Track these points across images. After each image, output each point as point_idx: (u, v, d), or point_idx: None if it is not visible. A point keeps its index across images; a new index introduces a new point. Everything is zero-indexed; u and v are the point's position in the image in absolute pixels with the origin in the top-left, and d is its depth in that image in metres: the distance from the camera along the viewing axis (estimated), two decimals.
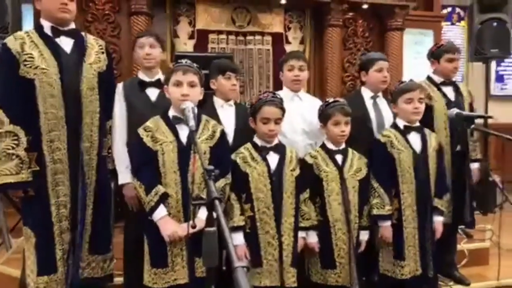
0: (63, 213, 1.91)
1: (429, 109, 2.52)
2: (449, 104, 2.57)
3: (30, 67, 1.84)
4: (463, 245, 2.93)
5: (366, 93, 2.52)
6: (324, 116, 2.16)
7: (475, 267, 2.88)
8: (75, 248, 1.91)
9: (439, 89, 2.62)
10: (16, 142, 1.82)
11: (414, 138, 2.24)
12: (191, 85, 1.85)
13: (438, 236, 2.24)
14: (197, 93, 1.89)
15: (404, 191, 2.17)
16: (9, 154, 1.81)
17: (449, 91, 2.63)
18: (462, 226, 2.88)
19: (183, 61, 1.91)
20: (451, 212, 2.55)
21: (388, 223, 2.16)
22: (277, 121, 2.00)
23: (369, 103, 2.48)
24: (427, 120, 2.49)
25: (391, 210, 2.16)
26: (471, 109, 2.72)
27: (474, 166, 2.66)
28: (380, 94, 2.54)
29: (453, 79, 2.70)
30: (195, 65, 1.91)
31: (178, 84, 1.84)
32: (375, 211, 2.15)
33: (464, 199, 2.54)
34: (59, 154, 1.89)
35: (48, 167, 1.88)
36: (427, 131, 2.29)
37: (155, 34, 2.34)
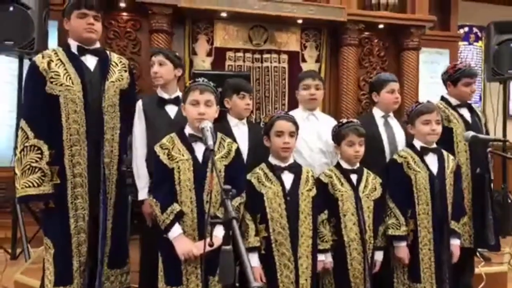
0: (81, 226, 1.96)
1: (448, 132, 2.51)
2: (468, 126, 2.54)
3: (56, 84, 1.94)
4: (481, 269, 2.88)
5: (378, 113, 2.53)
6: (338, 136, 2.17)
7: None
8: (98, 262, 1.96)
9: (457, 111, 2.60)
10: (39, 155, 1.90)
11: (431, 159, 2.23)
12: (208, 104, 1.86)
13: (455, 260, 2.20)
14: (213, 112, 1.90)
15: (420, 212, 2.16)
16: (33, 167, 1.88)
17: (465, 112, 2.62)
18: (482, 249, 2.82)
19: (200, 79, 1.93)
20: (473, 235, 2.51)
21: (403, 244, 2.15)
22: (291, 134, 2.01)
23: (380, 123, 2.49)
24: (448, 143, 2.48)
25: (407, 231, 2.15)
26: (486, 130, 2.70)
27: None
28: (391, 114, 2.55)
29: (468, 101, 2.69)
30: (211, 84, 1.95)
31: (195, 103, 1.86)
32: (390, 232, 2.14)
33: (485, 222, 2.50)
34: (79, 168, 1.96)
35: (68, 181, 1.95)
36: (444, 152, 2.27)
37: (165, 52, 2.35)
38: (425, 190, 2.16)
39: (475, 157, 2.51)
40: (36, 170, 1.88)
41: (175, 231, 1.79)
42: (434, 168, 2.20)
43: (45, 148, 1.91)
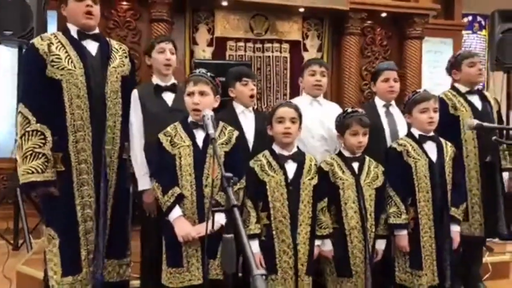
0: (88, 214, 1.92)
1: (455, 120, 2.48)
2: (476, 113, 2.50)
3: (57, 68, 1.87)
4: (486, 258, 2.87)
5: (379, 103, 2.51)
6: (342, 126, 2.15)
7: (498, 280, 2.83)
8: (96, 250, 1.93)
9: (465, 99, 2.57)
10: (43, 141, 1.83)
11: (430, 147, 2.21)
12: (202, 94, 1.90)
13: (455, 246, 2.19)
14: (209, 102, 1.91)
15: (420, 199, 2.14)
16: (36, 152, 1.81)
17: (475, 100, 2.57)
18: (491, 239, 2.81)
19: (197, 71, 1.97)
20: (483, 225, 2.49)
21: (404, 232, 2.13)
22: (293, 119, 2.00)
23: (382, 112, 2.47)
24: (454, 131, 2.45)
25: (407, 219, 2.14)
26: (499, 117, 2.65)
27: (505, 176, 2.59)
28: (393, 103, 2.52)
29: (479, 87, 2.64)
30: (208, 74, 1.96)
31: (190, 94, 1.91)
32: (391, 220, 2.13)
33: (496, 211, 2.48)
34: (84, 155, 1.91)
35: (74, 168, 1.89)
36: (442, 140, 2.26)
37: (173, 41, 2.36)
38: (425, 178, 2.15)
39: (484, 145, 2.48)
40: (40, 155, 1.81)
41: (175, 213, 1.83)
42: (433, 156, 2.19)
43: (48, 133, 1.84)
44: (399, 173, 2.17)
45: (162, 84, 2.24)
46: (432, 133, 2.24)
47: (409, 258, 2.14)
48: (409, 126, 2.33)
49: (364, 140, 2.11)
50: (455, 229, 2.19)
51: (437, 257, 2.12)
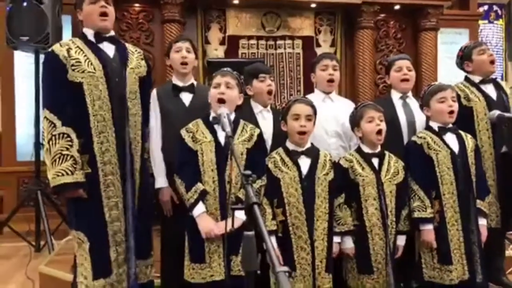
0: (115, 214, 1.92)
1: (468, 111, 2.44)
2: (491, 103, 2.45)
3: (78, 71, 1.89)
4: (510, 251, 2.81)
5: (395, 95, 2.48)
6: (356, 118, 2.13)
7: None
8: (129, 251, 1.92)
9: (479, 89, 2.51)
10: (70, 143, 1.85)
11: (451, 139, 2.17)
12: (228, 86, 1.95)
13: (483, 239, 2.14)
14: (234, 95, 1.97)
15: (445, 192, 2.09)
16: (64, 155, 1.83)
17: (490, 89, 2.51)
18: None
19: (224, 69, 2.04)
20: (500, 216, 2.44)
21: (430, 227, 2.08)
22: (308, 117, 1.99)
23: (398, 105, 2.43)
24: (468, 122, 2.40)
25: (433, 213, 2.10)
26: None
27: None
28: (409, 94, 2.48)
29: (493, 76, 2.58)
30: (235, 72, 2.03)
31: (216, 86, 1.96)
32: (416, 214, 2.08)
33: None
34: (109, 155, 1.91)
35: (99, 169, 1.90)
36: (462, 132, 2.22)
37: (191, 40, 2.37)
38: (448, 170, 2.10)
39: (500, 136, 2.43)
40: (68, 157, 1.82)
41: (199, 209, 1.86)
42: (455, 147, 2.15)
43: (74, 135, 1.85)
44: (420, 166, 2.12)
45: (180, 84, 2.26)
46: (451, 125, 2.20)
47: (437, 253, 2.08)
48: (428, 119, 2.29)
49: (382, 125, 2.07)
50: (482, 222, 2.14)
51: (465, 251, 2.07)
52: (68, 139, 1.85)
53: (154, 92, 2.22)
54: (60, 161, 1.83)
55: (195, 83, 2.32)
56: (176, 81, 2.28)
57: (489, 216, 2.38)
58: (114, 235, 1.91)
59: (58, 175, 1.82)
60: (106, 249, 1.89)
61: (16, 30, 3.21)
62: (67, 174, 1.82)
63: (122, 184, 1.93)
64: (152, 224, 2.11)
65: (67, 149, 1.84)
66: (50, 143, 1.85)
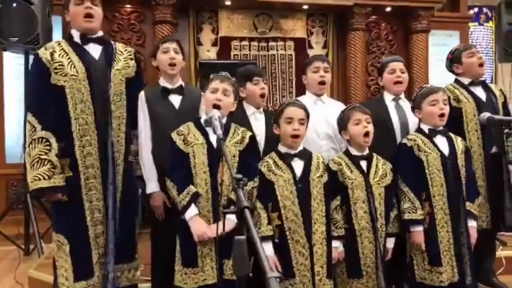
0: (98, 218, 1.93)
1: (458, 112, 2.45)
2: (480, 105, 2.46)
3: (61, 74, 1.90)
4: (500, 252, 2.83)
5: (388, 97, 2.48)
6: (343, 121, 2.12)
7: None
8: (107, 253, 1.92)
9: (468, 91, 2.54)
10: (48, 147, 1.86)
11: (441, 141, 2.18)
12: (225, 93, 1.95)
13: (473, 241, 2.15)
14: (230, 102, 1.97)
15: (435, 194, 2.09)
16: (42, 159, 1.84)
17: (479, 91, 2.53)
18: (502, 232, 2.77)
19: (223, 73, 2.03)
20: (489, 217, 2.46)
21: (420, 228, 2.07)
22: (301, 121, 1.99)
23: (391, 106, 2.44)
24: (457, 124, 2.42)
25: (423, 214, 2.10)
26: (505, 109, 2.61)
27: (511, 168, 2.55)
28: (402, 96, 2.49)
29: (482, 79, 2.60)
30: (233, 78, 2.03)
31: (214, 91, 1.94)
32: (406, 216, 2.08)
33: (503, 203, 2.44)
34: (91, 159, 1.92)
35: (81, 173, 1.91)
36: (452, 134, 2.23)
37: (178, 41, 2.33)
38: (438, 172, 2.11)
39: (490, 137, 2.45)
40: (46, 162, 1.84)
41: (191, 212, 1.84)
42: (445, 150, 2.16)
43: (53, 139, 1.87)
44: (411, 168, 2.13)
45: (169, 86, 2.22)
46: (441, 128, 2.21)
47: (427, 255, 2.09)
48: (419, 122, 2.30)
49: (370, 127, 2.07)
50: (472, 224, 2.15)
51: (455, 253, 2.08)
52: (47, 143, 1.86)
53: (142, 94, 2.17)
54: (38, 165, 1.85)
55: (183, 84, 2.28)
56: (165, 83, 2.23)
57: (480, 217, 2.39)
58: (96, 238, 1.92)
59: (35, 179, 1.84)
60: (87, 252, 1.90)
61: (6, 31, 3.17)
62: (44, 178, 1.84)
63: (104, 187, 1.93)
64: (136, 227, 2.10)
65: (45, 153, 1.85)
66: (30, 146, 1.87)
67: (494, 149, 2.44)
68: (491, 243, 2.63)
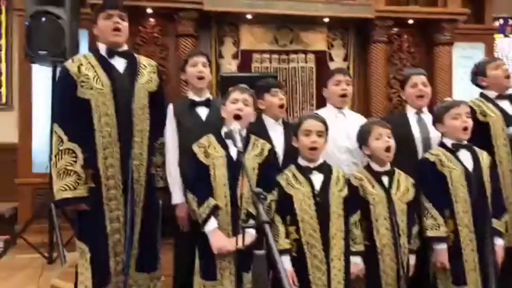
0: (116, 227, 1.98)
1: (485, 127, 2.40)
2: (508, 118, 2.41)
3: (87, 87, 1.96)
4: None
5: (410, 111, 2.45)
6: (363, 135, 2.10)
7: None
8: (124, 264, 1.97)
9: (495, 105, 2.48)
10: (74, 159, 1.93)
11: (465, 156, 2.13)
12: (246, 103, 1.98)
13: (499, 260, 2.08)
14: (250, 112, 2.00)
15: (459, 210, 2.04)
16: (68, 170, 1.91)
17: (506, 105, 2.48)
18: None
19: (241, 85, 2.08)
20: None
21: (444, 246, 2.03)
22: (319, 133, 1.98)
23: (413, 120, 2.41)
24: (485, 138, 2.37)
25: (447, 232, 2.04)
26: None
27: None
28: (424, 109, 2.45)
29: (509, 92, 2.54)
30: (251, 90, 2.07)
31: (235, 101, 1.98)
32: (429, 233, 2.03)
33: None
34: (112, 170, 1.97)
35: (103, 183, 1.97)
36: (476, 148, 2.17)
37: (206, 54, 2.41)
38: (462, 188, 2.06)
39: None
40: (72, 173, 1.91)
41: (211, 225, 1.85)
42: (469, 165, 2.11)
43: (79, 151, 1.94)
44: (434, 184, 2.09)
45: (197, 99, 2.28)
46: (465, 142, 2.16)
47: (452, 274, 2.03)
48: (442, 136, 2.25)
49: (391, 142, 2.04)
50: (498, 242, 2.08)
51: (481, 272, 2.01)
52: (73, 154, 1.92)
53: (170, 107, 2.25)
54: (65, 176, 1.91)
55: (211, 97, 2.33)
56: (192, 96, 2.30)
57: (511, 235, 2.32)
58: (114, 246, 1.97)
59: (61, 190, 1.90)
60: (106, 260, 1.95)
61: (35, 45, 3.28)
62: (70, 189, 1.90)
63: (124, 198, 1.97)
64: (159, 238, 2.12)
65: (72, 164, 1.91)
66: (57, 157, 1.94)
67: None
68: None
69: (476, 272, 2.02)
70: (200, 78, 2.26)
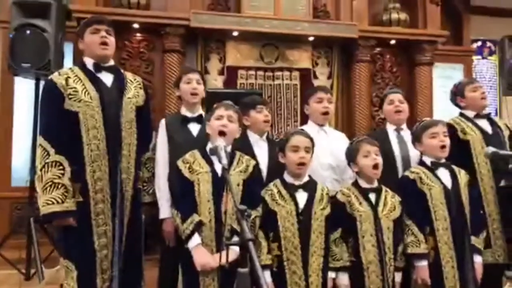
0: (104, 242, 1.93)
1: (465, 144, 2.47)
2: (487, 137, 2.48)
3: (75, 100, 1.94)
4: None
5: (390, 128, 2.53)
6: (351, 152, 2.14)
7: None
8: (112, 279, 1.92)
9: (474, 124, 2.55)
10: (62, 171, 1.87)
11: (443, 174, 2.18)
12: (230, 120, 1.99)
13: (478, 277, 2.11)
14: (234, 129, 2.01)
15: (439, 228, 2.07)
16: (55, 183, 1.85)
17: (484, 124, 2.56)
18: None
19: (226, 102, 2.09)
20: (505, 251, 2.40)
21: (424, 263, 2.05)
22: (307, 149, 2.01)
23: (393, 137, 2.47)
24: (465, 156, 2.43)
25: (427, 248, 2.07)
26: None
27: None
28: (404, 127, 2.53)
29: (486, 112, 2.63)
30: (236, 106, 2.09)
31: (219, 117, 1.98)
32: (410, 250, 2.05)
33: None
34: (101, 184, 1.94)
35: (91, 197, 1.92)
36: (455, 167, 2.23)
37: (200, 71, 2.46)
38: (442, 205, 2.10)
39: (498, 170, 2.43)
40: (59, 186, 1.85)
41: (194, 241, 1.84)
42: (448, 183, 2.15)
43: (66, 164, 1.89)
44: (414, 201, 2.12)
45: (189, 115, 2.31)
46: (444, 160, 2.21)
47: None
48: (421, 154, 2.30)
49: (379, 159, 2.08)
50: (477, 260, 2.11)
51: None
52: (61, 167, 1.88)
53: (163, 122, 2.28)
54: (51, 189, 1.85)
55: (203, 113, 2.35)
56: (185, 111, 2.33)
57: (496, 252, 2.36)
58: (101, 262, 1.91)
59: (48, 203, 1.84)
60: (93, 278, 1.89)
61: (18, 57, 3.24)
62: (57, 202, 1.84)
63: (112, 212, 1.94)
64: (142, 254, 2.09)
65: (59, 177, 1.86)
66: (43, 170, 1.87)
67: (502, 183, 2.43)
68: (499, 278, 2.58)
69: None
70: (194, 94, 2.32)
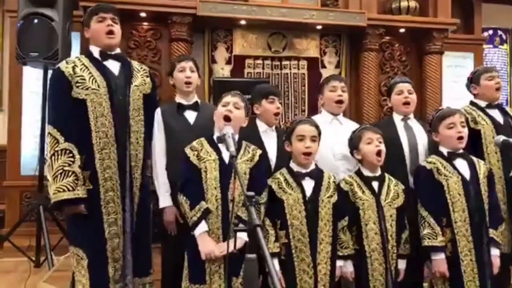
0: (114, 231, 1.93)
1: (476, 135, 2.42)
2: (498, 127, 2.43)
3: (82, 88, 1.94)
4: None
5: (397, 117, 2.49)
6: (354, 141, 2.11)
7: None
8: (125, 267, 1.93)
9: (485, 113, 2.51)
10: (72, 159, 1.87)
11: (461, 164, 2.11)
12: (236, 106, 1.98)
13: (495, 271, 2.05)
14: (240, 116, 2.00)
15: (456, 219, 2.01)
16: (66, 171, 1.85)
17: (496, 114, 2.51)
18: None
19: (235, 91, 2.08)
20: (510, 241, 2.36)
21: (442, 256, 1.99)
22: (313, 138, 1.99)
23: (400, 126, 2.43)
24: (476, 147, 2.38)
25: (444, 241, 2.01)
26: None
27: None
28: (411, 116, 2.49)
29: (498, 102, 2.58)
30: (247, 95, 2.09)
31: (225, 104, 1.99)
32: (426, 242, 1.99)
33: None
34: (110, 172, 1.94)
35: (100, 185, 1.93)
36: (473, 157, 2.16)
37: (194, 59, 2.42)
38: (460, 196, 2.03)
39: (507, 159, 2.40)
40: (70, 173, 1.85)
41: (201, 228, 1.84)
42: (466, 173, 2.08)
43: (75, 151, 1.89)
44: (430, 192, 2.07)
45: (185, 102, 2.29)
46: (461, 150, 2.16)
47: (449, 284, 2.00)
48: (436, 144, 2.26)
49: (382, 146, 2.06)
50: (494, 253, 2.05)
51: (480, 283, 1.97)
52: (70, 155, 1.88)
53: (158, 111, 2.24)
54: (62, 177, 1.85)
55: (199, 101, 2.34)
56: (180, 99, 2.31)
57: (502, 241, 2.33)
58: (112, 251, 1.92)
59: (59, 191, 1.84)
60: (104, 266, 1.89)
61: (26, 46, 3.26)
62: (68, 190, 1.84)
63: (121, 200, 1.94)
64: (151, 242, 2.10)
65: (69, 165, 1.86)
66: (53, 158, 1.87)
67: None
68: (507, 268, 2.56)
69: (475, 283, 1.98)
70: (188, 83, 2.29)
